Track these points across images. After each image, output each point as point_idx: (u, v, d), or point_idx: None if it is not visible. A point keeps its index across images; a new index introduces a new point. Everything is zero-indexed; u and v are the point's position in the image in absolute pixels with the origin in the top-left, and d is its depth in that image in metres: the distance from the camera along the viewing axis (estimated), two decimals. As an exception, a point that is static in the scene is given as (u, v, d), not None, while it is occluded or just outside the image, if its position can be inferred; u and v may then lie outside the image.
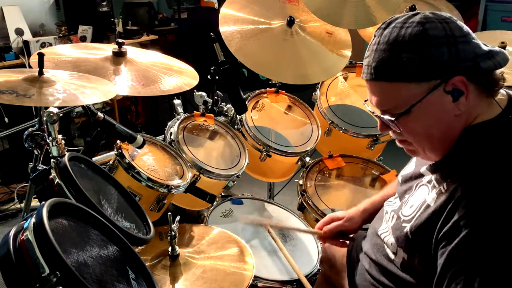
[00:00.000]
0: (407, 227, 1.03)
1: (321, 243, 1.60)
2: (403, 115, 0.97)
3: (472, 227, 0.87)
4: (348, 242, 1.40)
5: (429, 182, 1.04)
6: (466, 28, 0.95)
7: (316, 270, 1.55)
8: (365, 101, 1.13)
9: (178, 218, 1.34)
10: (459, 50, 0.92)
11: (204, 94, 1.98)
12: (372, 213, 1.36)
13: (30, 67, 1.44)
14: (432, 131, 0.98)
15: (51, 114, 1.26)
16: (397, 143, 1.09)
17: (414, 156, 1.09)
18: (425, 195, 1.02)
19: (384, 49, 0.95)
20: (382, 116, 1.02)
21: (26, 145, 1.40)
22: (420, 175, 1.10)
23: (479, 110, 0.97)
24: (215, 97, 2.02)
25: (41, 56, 1.26)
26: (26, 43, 3.32)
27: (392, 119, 0.98)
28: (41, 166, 1.36)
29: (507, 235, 0.86)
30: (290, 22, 2.05)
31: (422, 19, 0.93)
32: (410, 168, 1.20)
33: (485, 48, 0.95)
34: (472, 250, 0.87)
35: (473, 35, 0.95)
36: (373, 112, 1.07)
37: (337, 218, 1.39)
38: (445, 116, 0.96)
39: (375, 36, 1.00)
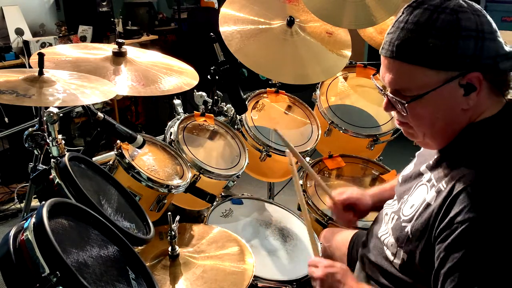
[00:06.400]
0: (408, 226, 1.03)
1: (321, 243, 1.60)
2: (414, 100, 0.96)
3: (468, 223, 0.87)
4: (357, 220, 1.43)
5: (429, 181, 1.04)
6: (494, 25, 0.94)
7: (316, 270, 1.55)
8: (373, 75, 1.11)
9: (178, 218, 1.34)
10: (484, 46, 0.91)
11: (204, 94, 1.98)
12: (380, 199, 1.38)
13: (30, 67, 1.44)
14: (437, 120, 0.98)
15: (51, 114, 1.26)
16: (396, 123, 1.08)
17: (412, 139, 1.08)
18: (425, 194, 1.02)
19: (411, 29, 0.93)
20: (391, 95, 1.00)
21: (26, 145, 1.40)
22: (420, 174, 1.10)
23: (486, 107, 0.97)
24: (215, 97, 2.02)
25: (41, 56, 1.26)
26: (26, 43, 3.32)
27: (404, 102, 0.97)
28: (41, 166, 1.36)
29: (504, 232, 0.85)
30: (290, 22, 2.05)
31: (456, 6, 0.92)
32: (409, 168, 1.20)
33: (506, 48, 0.95)
34: (467, 247, 0.87)
35: (499, 32, 0.95)
36: (381, 90, 1.05)
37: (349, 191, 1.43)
38: (453, 109, 0.96)
39: (402, 13, 0.97)
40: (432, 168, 1.06)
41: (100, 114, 1.44)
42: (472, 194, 0.90)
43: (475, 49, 0.90)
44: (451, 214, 0.91)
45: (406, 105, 0.97)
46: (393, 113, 1.06)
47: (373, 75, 1.11)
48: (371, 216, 1.67)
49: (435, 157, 1.06)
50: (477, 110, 0.97)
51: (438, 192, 0.97)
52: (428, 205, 0.99)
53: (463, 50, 0.90)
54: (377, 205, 1.39)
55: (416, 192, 1.07)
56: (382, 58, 1.01)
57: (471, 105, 0.95)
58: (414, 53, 0.92)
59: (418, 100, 0.95)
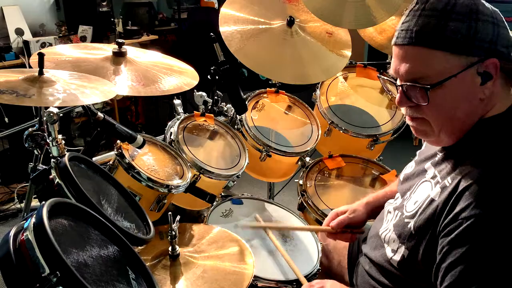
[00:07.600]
0: (411, 222, 1.03)
1: (321, 243, 1.60)
2: (437, 85, 0.94)
3: (473, 219, 0.87)
4: (356, 235, 1.42)
5: (433, 177, 1.04)
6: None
7: (316, 270, 1.55)
8: (381, 72, 1.10)
9: (178, 217, 1.34)
10: (500, 33, 0.93)
11: (204, 94, 1.98)
12: (375, 208, 1.38)
13: (30, 67, 1.44)
14: (457, 111, 0.97)
15: (51, 114, 1.25)
16: (408, 120, 1.05)
17: (423, 138, 1.07)
18: (429, 191, 1.02)
19: (430, 15, 0.93)
20: (409, 83, 0.97)
21: (26, 145, 1.40)
22: (423, 171, 1.10)
23: (499, 98, 0.97)
24: (215, 97, 2.02)
25: (41, 56, 1.26)
26: (26, 43, 3.33)
27: (428, 86, 0.94)
28: (41, 166, 1.36)
29: (508, 230, 0.86)
30: (290, 22, 2.05)
31: None
32: (410, 167, 1.20)
33: None
34: (471, 242, 0.87)
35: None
36: (395, 83, 1.02)
37: (341, 212, 1.41)
38: (472, 98, 0.95)
39: (416, 4, 0.97)
40: (437, 164, 1.06)
41: (100, 114, 1.44)
42: (478, 191, 0.90)
43: (493, 35, 0.92)
44: (456, 210, 0.91)
45: (430, 90, 0.94)
46: (404, 109, 1.04)
47: (381, 72, 1.09)
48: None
49: (441, 154, 1.06)
50: (491, 100, 0.96)
51: (443, 188, 0.97)
52: (432, 200, 0.98)
53: (482, 35, 0.91)
54: (372, 213, 1.39)
55: (420, 189, 1.07)
56: (396, 49, 0.99)
57: (487, 94, 0.95)
58: (435, 37, 0.92)
59: (439, 87, 0.94)
